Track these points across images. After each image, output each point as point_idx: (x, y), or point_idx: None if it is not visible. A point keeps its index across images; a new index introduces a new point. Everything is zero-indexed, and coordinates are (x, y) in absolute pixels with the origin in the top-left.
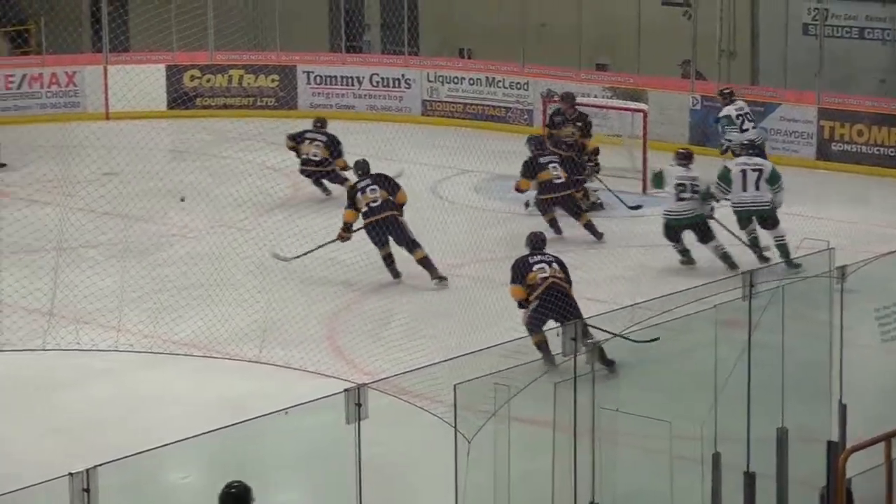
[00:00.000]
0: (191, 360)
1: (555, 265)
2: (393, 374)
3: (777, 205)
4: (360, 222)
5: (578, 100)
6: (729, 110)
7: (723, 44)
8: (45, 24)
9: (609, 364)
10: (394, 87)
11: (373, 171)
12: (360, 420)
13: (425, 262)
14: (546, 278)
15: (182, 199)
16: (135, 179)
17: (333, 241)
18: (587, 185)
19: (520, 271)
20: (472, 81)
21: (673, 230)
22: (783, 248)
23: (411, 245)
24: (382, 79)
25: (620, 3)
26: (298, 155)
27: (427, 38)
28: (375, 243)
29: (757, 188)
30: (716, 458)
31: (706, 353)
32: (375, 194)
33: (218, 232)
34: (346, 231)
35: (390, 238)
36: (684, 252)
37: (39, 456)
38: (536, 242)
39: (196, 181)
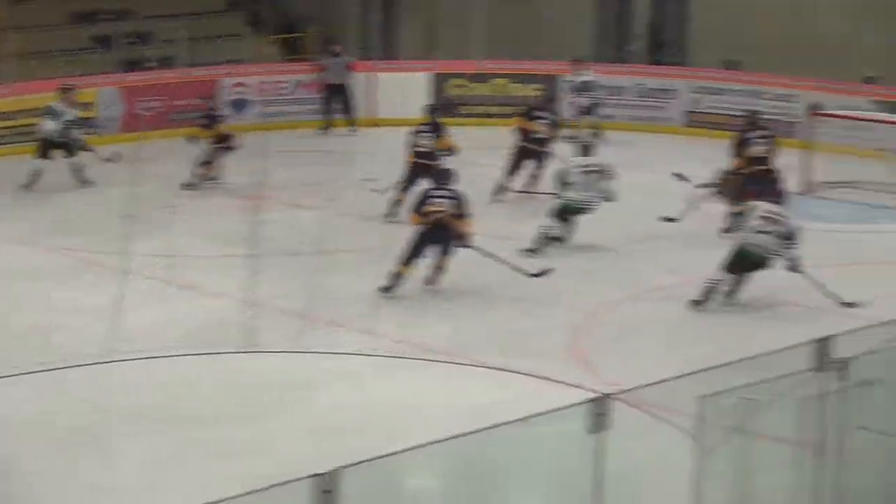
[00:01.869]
0: (438, 366)
1: None
2: (637, 385)
3: None
4: None
5: (846, 112)
6: None
7: None
8: (316, 32)
9: None
10: (658, 97)
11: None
12: (602, 430)
13: None
14: None
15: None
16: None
17: (715, 184)
18: None
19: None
20: (737, 93)
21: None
22: None
23: None
24: (647, 89)
25: (893, 15)
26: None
27: (695, 49)
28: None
29: None
30: None
31: None
32: (762, 148)
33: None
34: (733, 176)
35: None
36: None
37: (292, 457)
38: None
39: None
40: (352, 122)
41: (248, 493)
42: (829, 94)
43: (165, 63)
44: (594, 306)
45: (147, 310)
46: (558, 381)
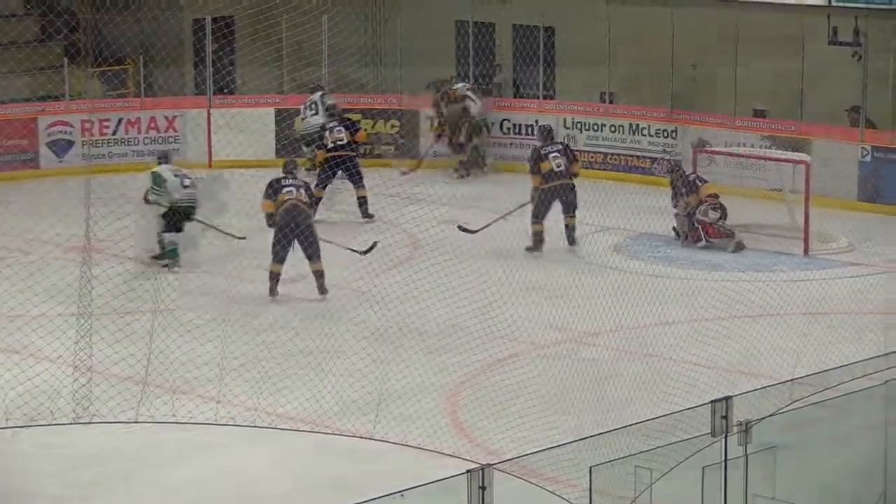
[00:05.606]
0: (298, 436)
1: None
2: (521, 453)
3: None
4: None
5: (733, 150)
6: None
7: None
8: (143, 64)
9: None
10: (526, 134)
11: None
12: None
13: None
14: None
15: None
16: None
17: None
18: None
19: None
20: (613, 128)
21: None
22: None
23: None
24: (514, 125)
25: (782, 44)
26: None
27: (564, 80)
28: (542, 211)
29: None
30: None
31: (874, 434)
32: (559, 160)
33: (329, 294)
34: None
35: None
36: None
37: None
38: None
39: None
40: None
41: None
42: (714, 129)
43: None
44: (473, 366)
45: None
46: (433, 451)
